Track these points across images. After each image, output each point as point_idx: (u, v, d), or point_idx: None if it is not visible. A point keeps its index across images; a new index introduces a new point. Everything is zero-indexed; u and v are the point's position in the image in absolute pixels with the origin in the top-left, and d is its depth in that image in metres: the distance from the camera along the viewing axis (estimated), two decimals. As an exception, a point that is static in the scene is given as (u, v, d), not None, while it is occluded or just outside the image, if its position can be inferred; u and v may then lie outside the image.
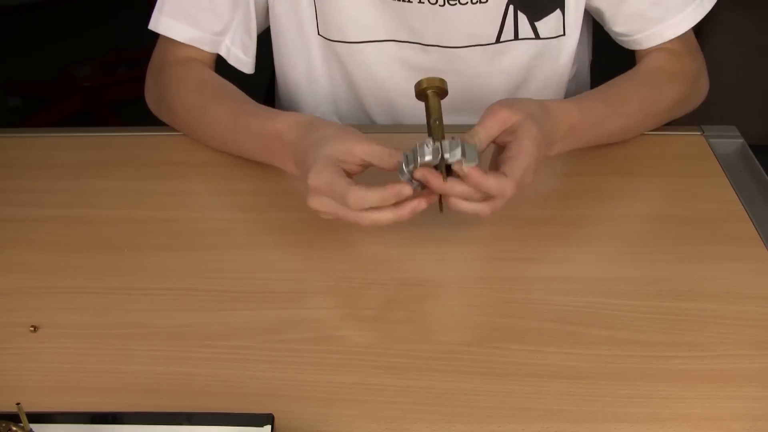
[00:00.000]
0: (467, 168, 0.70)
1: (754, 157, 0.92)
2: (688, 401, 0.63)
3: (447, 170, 0.71)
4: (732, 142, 0.94)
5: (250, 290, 0.74)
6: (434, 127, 0.72)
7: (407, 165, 0.71)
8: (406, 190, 0.69)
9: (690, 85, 0.95)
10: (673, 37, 0.92)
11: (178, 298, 0.73)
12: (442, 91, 0.74)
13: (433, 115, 0.73)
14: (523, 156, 0.73)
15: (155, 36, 0.97)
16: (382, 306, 0.73)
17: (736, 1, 1.88)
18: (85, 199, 0.87)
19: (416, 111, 0.93)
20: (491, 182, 0.71)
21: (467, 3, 0.89)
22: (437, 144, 0.70)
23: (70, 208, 0.86)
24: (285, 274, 0.76)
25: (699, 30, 0.96)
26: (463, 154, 0.70)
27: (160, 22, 0.95)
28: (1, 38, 2.90)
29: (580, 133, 0.84)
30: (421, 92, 0.75)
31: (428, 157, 0.70)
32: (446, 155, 0.70)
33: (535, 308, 0.71)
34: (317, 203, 0.73)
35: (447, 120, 0.73)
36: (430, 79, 0.74)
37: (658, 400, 0.63)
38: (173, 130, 0.96)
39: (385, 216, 0.71)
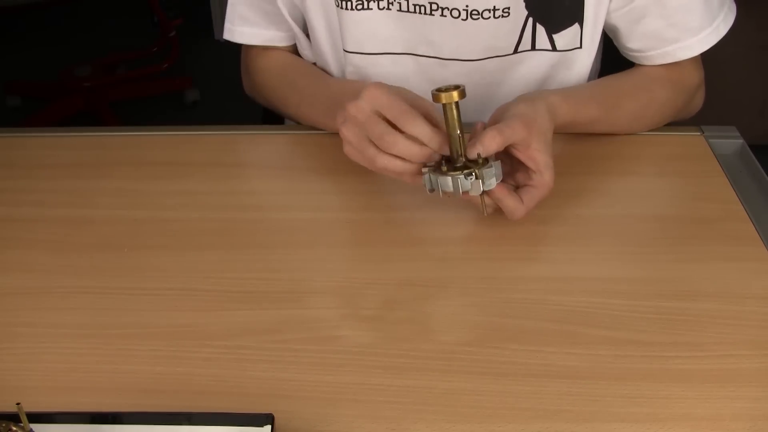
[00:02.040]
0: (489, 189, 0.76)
1: (754, 157, 0.92)
2: (688, 401, 0.63)
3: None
4: (732, 142, 0.94)
5: (250, 290, 0.74)
6: (452, 139, 0.75)
7: (428, 183, 0.76)
8: (436, 157, 0.76)
9: (686, 95, 0.96)
10: (685, 58, 0.93)
11: (178, 298, 0.73)
12: (461, 96, 0.74)
13: (450, 128, 0.75)
14: (542, 190, 0.78)
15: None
16: (382, 306, 0.73)
17: (736, 1, 1.87)
18: (85, 199, 0.87)
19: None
20: (508, 202, 0.77)
21: (489, 17, 0.89)
22: (457, 179, 0.74)
23: (70, 208, 0.86)
24: (285, 274, 0.76)
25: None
26: (482, 177, 0.74)
27: (235, 33, 1.01)
28: (1, 38, 2.90)
29: (571, 128, 0.88)
30: (438, 102, 0.74)
31: (448, 189, 0.74)
32: (466, 189, 0.74)
33: (535, 308, 0.71)
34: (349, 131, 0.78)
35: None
36: (448, 94, 0.73)
37: (658, 400, 0.63)
38: (173, 130, 0.96)
39: (398, 166, 0.76)
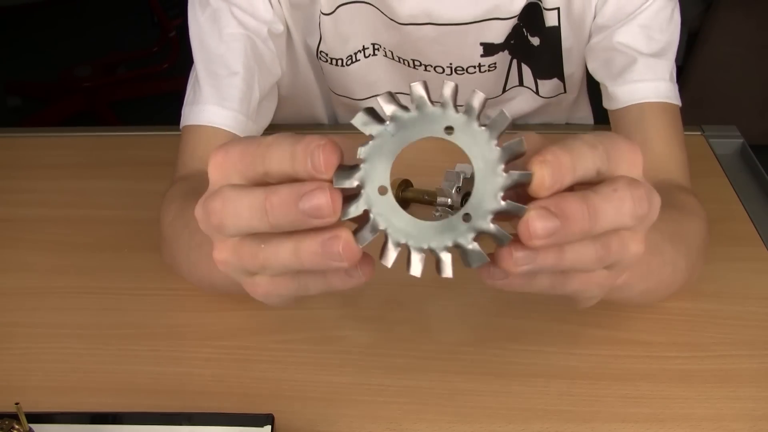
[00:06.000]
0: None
1: (754, 157, 0.92)
2: (688, 401, 0.63)
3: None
4: (732, 142, 0.94)
5: (250, 290, 0.74)
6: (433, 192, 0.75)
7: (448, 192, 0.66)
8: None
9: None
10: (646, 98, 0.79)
11: (178, 298, 0.73)
12: (406, 185, 0.79)
13: (422, 195, 0.78)
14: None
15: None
16: (382, 306, 0.72)
17: (736, 1, 1.88)
18: (85, 199, 0.87)
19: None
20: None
21: (475, 72, 0.88)
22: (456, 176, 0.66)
23: (70, 208, 0.86)
24: (285, 274, 0.76)
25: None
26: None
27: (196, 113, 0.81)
28: (1, 38, 2.90)
29: None
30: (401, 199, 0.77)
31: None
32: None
33: (535, 308, 0.71)
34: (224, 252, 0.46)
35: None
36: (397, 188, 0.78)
37: (659, 400, 0.63)
38: (173, 130, 0.95)
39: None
